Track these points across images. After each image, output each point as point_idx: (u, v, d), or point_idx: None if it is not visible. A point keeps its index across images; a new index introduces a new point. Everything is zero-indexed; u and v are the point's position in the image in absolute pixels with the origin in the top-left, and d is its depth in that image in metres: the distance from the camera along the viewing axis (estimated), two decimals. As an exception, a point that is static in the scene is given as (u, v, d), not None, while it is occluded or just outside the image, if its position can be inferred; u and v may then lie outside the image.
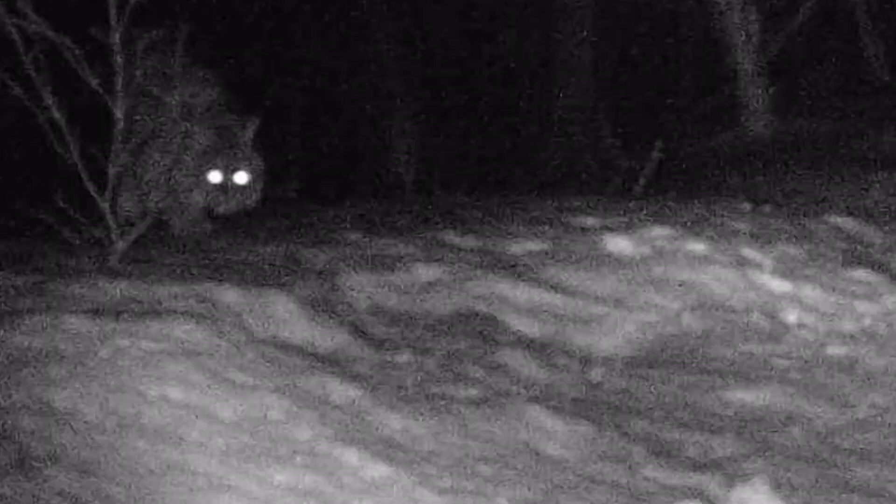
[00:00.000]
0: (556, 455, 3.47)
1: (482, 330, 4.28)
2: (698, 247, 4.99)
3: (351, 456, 3.24)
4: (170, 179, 5.17)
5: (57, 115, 4.43)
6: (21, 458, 2.97)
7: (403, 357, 3.94)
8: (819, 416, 3.86)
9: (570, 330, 4.39)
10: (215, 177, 5.07)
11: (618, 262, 4.86)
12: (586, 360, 4.22)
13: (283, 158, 9.70)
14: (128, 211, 5.31)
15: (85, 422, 3.19)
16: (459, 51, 10.77)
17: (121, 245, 4.45)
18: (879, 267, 5.12)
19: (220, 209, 5.12)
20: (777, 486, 3.28)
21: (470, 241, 4.95)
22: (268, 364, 3.62)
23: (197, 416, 3.29)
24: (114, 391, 3.31)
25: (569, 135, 9.53)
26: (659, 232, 5.07)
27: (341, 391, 3.54)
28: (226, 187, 5.08)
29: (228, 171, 5.08)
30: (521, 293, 4.52)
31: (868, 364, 4.25)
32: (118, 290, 3.98)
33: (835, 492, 3.38)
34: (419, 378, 3.80)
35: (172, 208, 5.19)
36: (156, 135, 5.24)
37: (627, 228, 5.11)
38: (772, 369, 4.20)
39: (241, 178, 5.08)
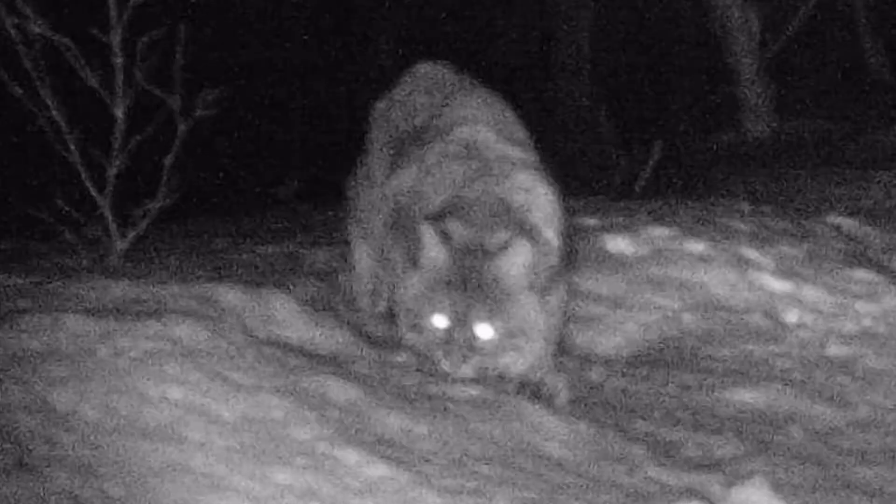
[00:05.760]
0: (556, 455, 3.47)
1: (482, 330, 4.27)
2: (698, 247, 4.98)
3: (351, 456, 3.23)
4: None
5: (57, 115, 4.43)
6: (21, 458, 2.96)
7: (403, 357, 3.93)
8: (819, 416, 3.86)
9: (570, 330, 4.39)
10: (440, 322, 3.61)
11: (618, 262, 4.86)
12: (586, 360, 4.21)
13: (283, 158, 9.71)
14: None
15: (85, 422, 3.19)
16: (459, 51, 10.77)
17: (121, 245, 4.45)
18: (879, 267, 5.12)
19: (446, 366, 3.62)
20: (777, 486, 3.28)
21: (470, 241, 4.93)
22: (268, 364, 3.62)
23: (197, 416, 3.28)
24: (114, 391, 3.31)
25: (569, 135, 9.54)
26: (659, 232, 5.07)
27: (341, 391, 3.54)
28: (457, 339, 3.58)
29: (464, 318, 3.57)
30: (521, 293, 4.51)
31: (868, 364, 4.25)
32: (118, 290, 3.97)
33: (835, 492, 3.37)
34: (419, 378, 3.79)
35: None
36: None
37: (627, 228, 5.11)
38: (772, 369, 4.20)
39: (484, 331, 3.59)
